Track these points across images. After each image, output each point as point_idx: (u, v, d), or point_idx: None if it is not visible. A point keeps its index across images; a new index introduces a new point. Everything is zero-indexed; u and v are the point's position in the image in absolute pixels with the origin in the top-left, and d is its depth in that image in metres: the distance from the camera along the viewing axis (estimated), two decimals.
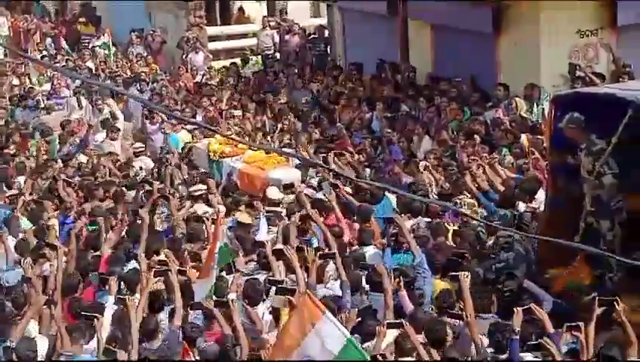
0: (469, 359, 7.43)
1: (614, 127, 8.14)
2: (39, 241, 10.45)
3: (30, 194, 12.86)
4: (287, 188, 11.81)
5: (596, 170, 8.37)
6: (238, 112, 16.77)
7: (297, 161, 13.07)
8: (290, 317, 6.89)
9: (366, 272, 8.87)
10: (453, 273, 8.38)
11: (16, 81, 20.47)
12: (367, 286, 8.79)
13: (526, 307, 7.58)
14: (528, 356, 7.32)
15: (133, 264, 9.65)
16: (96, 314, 8.06)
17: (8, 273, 10.04)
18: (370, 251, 9.72)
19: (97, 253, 10.18)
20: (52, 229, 11.02)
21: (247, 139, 14.90)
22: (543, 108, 13.69)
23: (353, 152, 13.41)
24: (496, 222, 9.71)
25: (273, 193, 11.76)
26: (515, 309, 7.52)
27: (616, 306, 7.32)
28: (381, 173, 12.75)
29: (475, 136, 13.05)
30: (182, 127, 15.61)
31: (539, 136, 12.51)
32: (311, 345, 6.42)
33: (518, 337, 7.29)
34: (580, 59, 14.50)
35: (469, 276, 8.12)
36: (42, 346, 8.05)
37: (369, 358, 6.66)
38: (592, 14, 14.53)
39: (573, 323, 7.19)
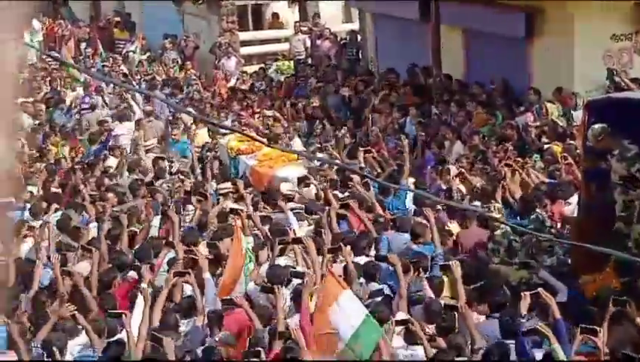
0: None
1: None
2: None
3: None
4: (301, 181, 12.23)
5: (631, 175, 8.31)
6: (270, 112, 16.88)
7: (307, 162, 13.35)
8: (319, 295, 7.37)
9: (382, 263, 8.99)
10: (443, 263, 8.62)
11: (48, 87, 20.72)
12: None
13: (534, 292, 7.63)
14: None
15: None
16: (124, 311, 8.19)
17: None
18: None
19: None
20: (85, 231, 11.12)
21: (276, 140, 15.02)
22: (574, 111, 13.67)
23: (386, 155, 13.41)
24: (528, 226, 9.69)
25: (286, 188, 12.30)
26: (522, 294, 7.61)
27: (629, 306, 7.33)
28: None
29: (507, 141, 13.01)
30: (204, 127, 15.90)
31: (571, 142, 12.41)
32: (335, 317, 6.89)
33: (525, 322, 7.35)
34: (614, 64, 14.38)
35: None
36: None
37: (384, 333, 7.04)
38: (627, 18, 14.41)
39: (590, 327, 7.11)
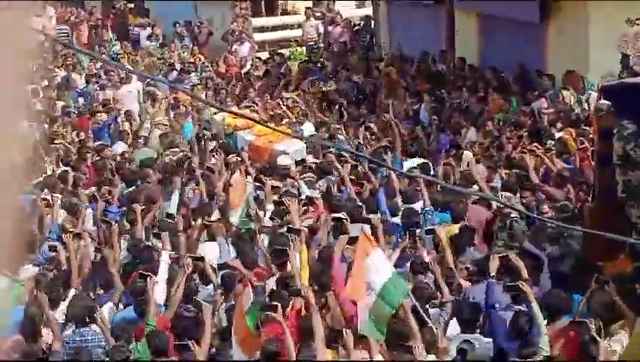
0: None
1: None
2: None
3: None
4: (299, 164, 12.76)
5: (627, 153, 8.25)
6: (288, 95, 16.90)
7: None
8: (355, 251, 8.00)
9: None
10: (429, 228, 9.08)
11: (63, 72, 20.67)
12: None
13: (504, 254, 7.92)
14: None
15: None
16: (149, 274, 8.31)
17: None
18: None
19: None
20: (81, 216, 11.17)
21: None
22: (589, 98, 13.54)
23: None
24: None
25: (283, 161, 12.83)
26: (491, 256, 7.99)
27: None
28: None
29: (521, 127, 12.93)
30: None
31: (585, 127, 12.32)
32: (367, 271, 7.49)
33: (493, 280, 7.64)
34: (628, 49, 14.26)
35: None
36: None
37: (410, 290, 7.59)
38: None
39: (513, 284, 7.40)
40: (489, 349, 7.40)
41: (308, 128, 14.81)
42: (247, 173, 12.04)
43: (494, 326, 7.60)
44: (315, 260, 8.83)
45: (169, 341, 7.49)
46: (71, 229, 10.35)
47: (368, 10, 22.58)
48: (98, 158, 13.67)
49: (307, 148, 13.45)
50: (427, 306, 7.70)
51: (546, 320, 7.25)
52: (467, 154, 12.51)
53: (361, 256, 7.62)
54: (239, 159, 12.78)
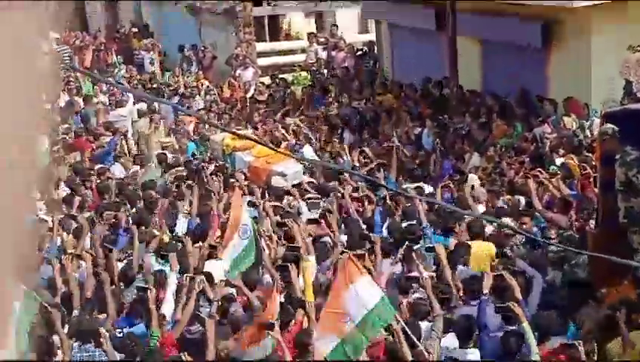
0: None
1: None
2: None
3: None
4: (296, 186, 12.97)
5: (629, 179, 8.28)
6: (291, 121, 16.99)
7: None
8: (336, 277, 7.90)
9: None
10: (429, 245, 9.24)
11: (66, 97, 20.72)
12: None
13: (498, 273, 8.05)
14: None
15: None
16: (149, 286, 8.61)
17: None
18: None
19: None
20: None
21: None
22: (591, 124, 13.58)
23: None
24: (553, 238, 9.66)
25: (277, 182, 13.20)
26: (485, 273, 8.12)
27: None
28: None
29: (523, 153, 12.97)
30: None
31: (588, 154, 12.33)
32: (349, 300, 7.28)
33: (487, 298, 7.79)
34: (630, 75, 14.31)
35: None
36: None
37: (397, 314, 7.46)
38: None
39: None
40: None
41: (308, 151, 14.91)
42: (251, 193, 12.15)
43: (484, 344, 7.67)
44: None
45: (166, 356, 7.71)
46: (70, 251, 10.41)
47: (371, 36, 22.69)
48: (99, 181, 13.72)
49: (304, 170, 13.70)
50: (419, 323, 7.80)
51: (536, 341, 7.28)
52: (472, 177, 12.56)
53: (343, 284, 7.42)
54: (236, 180, 13.03)
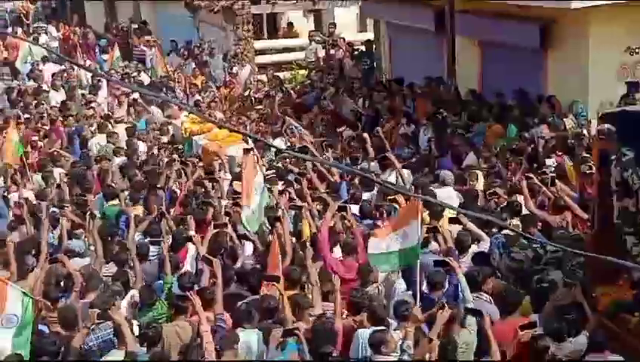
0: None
1: None
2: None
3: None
4: (246, 152, 12.90)
5: (624, 180, 8.32)
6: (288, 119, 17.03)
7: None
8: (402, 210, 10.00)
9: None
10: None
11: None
12: None
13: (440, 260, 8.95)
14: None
15: None
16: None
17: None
18: None
19: None
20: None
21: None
22: (583, 123, 13.68)
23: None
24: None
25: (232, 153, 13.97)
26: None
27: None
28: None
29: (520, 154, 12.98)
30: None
31: (586, 155, 12.36)
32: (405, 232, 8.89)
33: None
34: (628, 77, 14.36)
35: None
36: None
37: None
38: None
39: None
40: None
41: (278, 143, 15.09)
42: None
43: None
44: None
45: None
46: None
47: (370, 35, 22.71)
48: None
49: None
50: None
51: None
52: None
53: (407, 218, 8.96)
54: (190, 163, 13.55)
